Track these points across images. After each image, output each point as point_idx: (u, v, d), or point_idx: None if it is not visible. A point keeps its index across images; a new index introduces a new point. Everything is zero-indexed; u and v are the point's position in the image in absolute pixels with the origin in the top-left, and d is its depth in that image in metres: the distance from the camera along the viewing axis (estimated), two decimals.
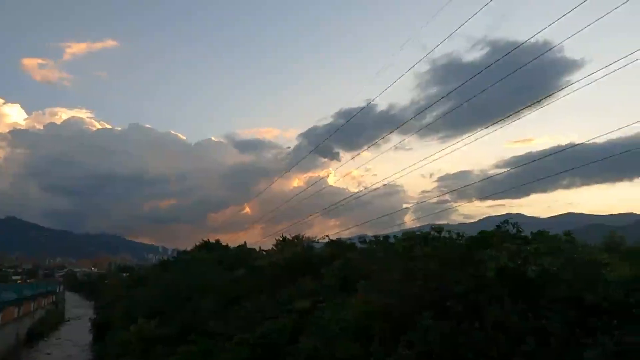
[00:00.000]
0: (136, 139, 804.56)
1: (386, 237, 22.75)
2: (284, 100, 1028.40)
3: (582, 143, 17.49)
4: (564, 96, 16.40)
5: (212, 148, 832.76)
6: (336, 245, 25.66)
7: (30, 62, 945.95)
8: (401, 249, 16.22)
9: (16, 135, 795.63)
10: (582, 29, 14.50)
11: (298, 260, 27.43)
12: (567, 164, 16.59)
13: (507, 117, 17.44)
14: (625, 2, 13.12)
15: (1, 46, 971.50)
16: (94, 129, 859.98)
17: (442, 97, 19.71)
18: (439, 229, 16.45)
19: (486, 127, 18.36)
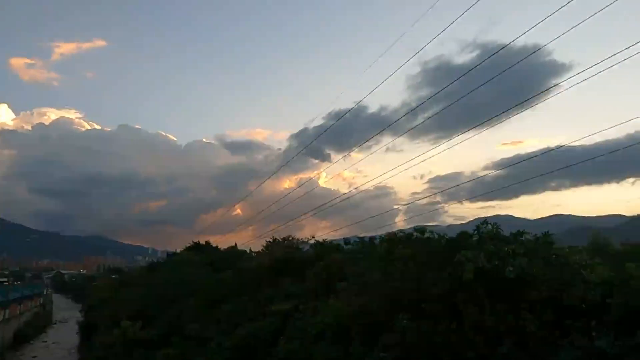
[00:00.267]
0: (125, 140, 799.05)
1: (372, 238, 22.84)
2: (275, 102, 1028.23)
3: (564, 145, 17.83)
4: (550, 96, 16.68)
5: (203, 149, 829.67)
6: (321, 247, 25.74)
7: (18, 62, 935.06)
8: (382, 250, 16.30)
9: (4, 135, 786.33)
10: (566, 31, 14.77)
11: (282, 261, 27.48)
12: (556, 166, 16.91)
13: (493, 117, 17.69)
14: (612, 3, 13.37)
15: None
16: (83, 129, 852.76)
17: (429, 98, 19.96)
18: (421, 229, 16.04)
19: (473, 128, 18.63)
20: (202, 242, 62.58)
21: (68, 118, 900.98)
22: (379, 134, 24.41)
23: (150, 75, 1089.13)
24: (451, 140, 20.43)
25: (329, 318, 14.65)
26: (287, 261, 27.05)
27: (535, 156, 18.92)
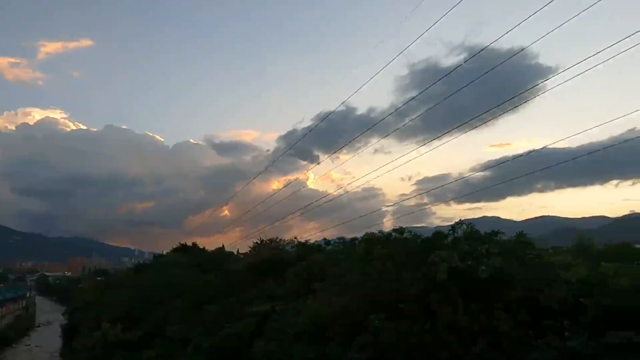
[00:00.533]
0: (112, 140, 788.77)
1: (354, 239, 22.86)
2: (263, 103, 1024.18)
3: (545, 146, 18.12)
4: (533, 96, 16.91)
5: (191, 150, 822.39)
6: (303, 248, 25.72)
7: (2, 61, 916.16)
8: (361, 250, 16.42)
9: None
10: (549, 32, 15.04)
11: (266, 262, 27.45)
12: (541, 167, 17.10)
13: (477, 116, 17.90)
14: (593, 5, 13.67)
15: None
16: (69, 129, 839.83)
17: (411, 99, 20.11)
18: (400, 230, 16.23)
19: (458, 127, 18.79)
20: (190, 243, 62.21)
21: (53, 118, 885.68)
22: (363, 133, 24.52)
23: (137, 76, 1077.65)
24: (439, 142, 20.64)
25: (306, 319, 14.61)
26: (271, 262, 27.02)
27: (515, 157, 19.22)
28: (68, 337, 52.88)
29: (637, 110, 14.22)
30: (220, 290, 28.49)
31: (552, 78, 16.06)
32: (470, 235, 14.13)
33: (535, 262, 13.55)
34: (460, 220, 14.29)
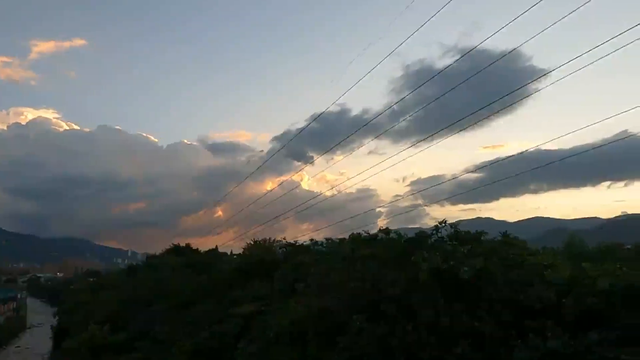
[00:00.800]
0: (105, 141, 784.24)
1: (342, 239, 22.68)
2: (258, 104, 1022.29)
3: (535, 147, 18.25)
4: (525, 97, 16.99)
5: (184, 151, 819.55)
6: (290, 248, 25.62)
7: None
8: (347, 250, 16.30)
9: None
10: (537, 34, 15.13)
11: (254, 263, 27.33)
12: (535, 170, 17.20)
13: (466, 116, 17.96)
14: (582, 5, 13.78)
15: None
16: (61, 129, 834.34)
17: (400, 100, 20.16)
18: (387, 230, 16.14)
19: (449, 127, 18.81)
20: (183, 244, 62.01)
21: (46, 118, 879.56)
22: (355, 133, 24.45)
23: (131, 76, 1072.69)
24: (432, 143, 20.68)
25: (286, 320, 14.51)
26: (258, 263, 26.93)
27: (508, 157, 19.33)
28: (58, 339, 52.54)
29: (624, 112, 14.28)
30: (208, 291, 28.36)
31: (540, 78, 16.14)
32: (454, 236, 14.08)
33: (518, 262, 13.50)
34: (443, 220, 14.16)
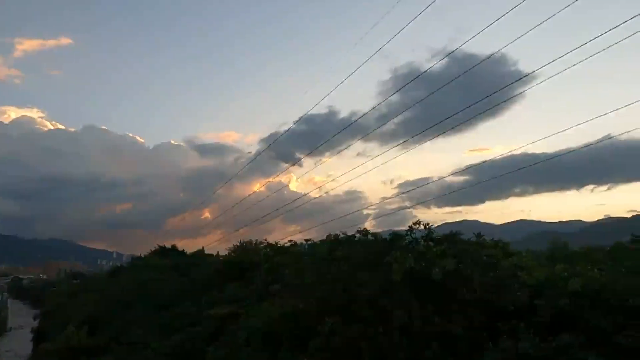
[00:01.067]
0: (91, 141, 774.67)
1: (322, 241, 22.54)
2: (245, 105, 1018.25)
3: (516, 149, 18.49)
4: (510, 98, 17.22)
5: (172, 151, 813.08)
6: (270, 249, 25.55)
7: None
8: (323, 251, 16.00)
9: None
10: (520, 36, 15.36)
11: (232, 264, 27.19)
12: (520, 172, 17.50)
13: (451, 116, 18.11)
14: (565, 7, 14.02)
15: None
16: (46, 129, 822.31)
17: (382, 102, 20.17)
18: (365, 231, 15.84)
19: (434, 126, 18.93)
20: (169, 245, 61.54)
21: (30, 117, 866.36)
22: (340, 133, 24.57)
23: (118, 76, 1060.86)
24: (420, 146, 20.83)
25: (258, 322, 14.38)
26: (238, 264, 26.79)
27: (489, 160, 19.58)
28: (38, 342, 51.63)
29: (602, 115, 14.54)
30: (187, 292, 28.11)
31: (525, 80, 16.39)
32: (428, 237, 14.04)
33: (492, 264, 13.47)
34: (417, 220, 14.04)
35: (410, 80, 20.07)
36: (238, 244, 37.70)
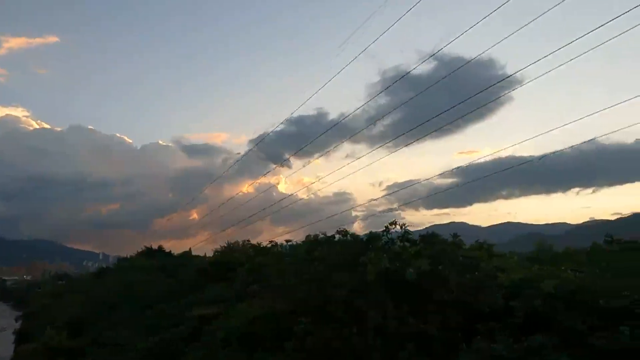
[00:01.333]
0: (77, 141, 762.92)
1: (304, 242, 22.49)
2: (234, 105, 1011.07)
3: (501, 151, 18.71)
4: (496, 98, 17.41)
5: (159, 152, 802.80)
6: (253, 250, 25.53)
7: None
8: (303, 251, 15.95)
9: None
10: (504, 38, 15.58)
11: (216, 265, 27.08)
12: (507, 175, 17.68)
13: (433, 117, 18.25)
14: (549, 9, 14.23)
15: None
16: (31, 128, 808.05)
17: (376, 96, 20.15)
18: (344, 232, 15.63)
19: (416, 127, 19.05)
20: (156, 246, 61.04)
21: (15, 116, 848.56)
22: (325, 133, 24.60)
23: (105, 75, 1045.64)
24: (408, 148, 20.96)
25: (235, 323, 14.30)
26: (221, 265, 26.69)
27: (470, 165, 19.80)
28: (20, 344, 50.79)
29: (582, 118, 14.75)
30: (172, 293, 27.90)
31: (510, 80, 16.61)
32: (404, 237, 13.98)
33: (469, 265, 13.49)
34: (393, 220, 13.96)
35: (395, 81, 20.23)
36: (225, 245, 37.64)
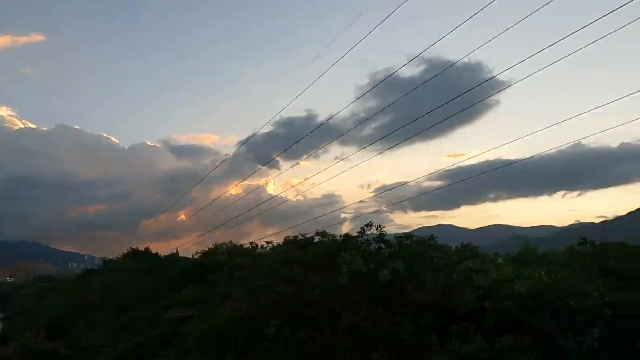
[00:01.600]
0: (63, 141, 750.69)
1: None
2: (223, 106, 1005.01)
3: (486, 153, 18.93)
4: (480, 99, 17.60)
5: (147, 152, 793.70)
6: (235, 251, 25.38)
7: None
8: (280, 253, 15.75)
9: None
10: (488, 41, 15.76)
11: (197, 266, 26.91)
12: (495, 178, 17.88)
13: (418, 118, 18.40)
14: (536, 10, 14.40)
15: None
16: (15, 128, 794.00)
17: (364, 94, 20.17)
18: (324, 233, 15.54)
19: (402, 127, 19.18)
20: (143, 248, 60.45)
21: None
22: (311, 133, 24.55)
23: (92, 75, 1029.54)
24: (397, 151, 21.12)
25: (206, 325, 14.20)
26: (201, 266, 26.52)
27: (458, 167, 19.96)
28: (1, 346, 49.88)
29: (565, 120, 14.92)
30: (149, 294, 27.58)
31: (498, 85, 16.83)
32: (379, 239, 13.97)
33: (450, 266, 13.50)
34: (369, 222, 13.88)
35: (381, 80, 20.35)
36: (212, 247, 37.41)
